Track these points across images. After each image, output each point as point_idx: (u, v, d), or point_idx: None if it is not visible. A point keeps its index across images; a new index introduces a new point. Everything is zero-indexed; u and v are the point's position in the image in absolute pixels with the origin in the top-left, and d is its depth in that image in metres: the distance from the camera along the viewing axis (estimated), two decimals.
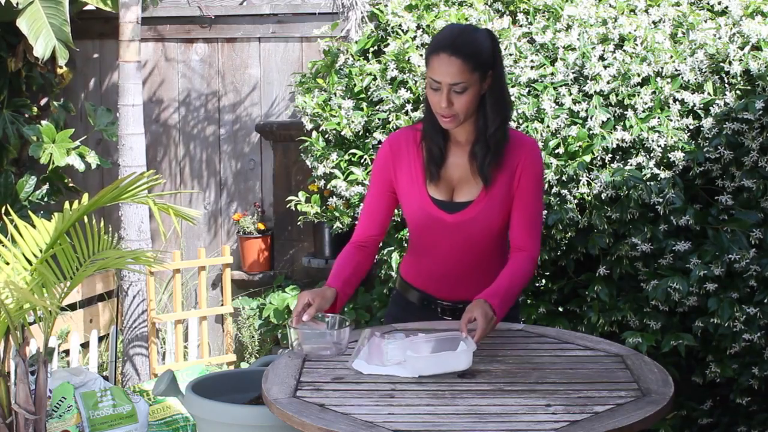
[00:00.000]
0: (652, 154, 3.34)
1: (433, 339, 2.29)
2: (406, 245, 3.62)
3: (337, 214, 3.87)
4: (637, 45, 3.49)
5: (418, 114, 3.65)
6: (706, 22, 3.50)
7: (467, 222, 2.51)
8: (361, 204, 3.70)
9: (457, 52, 2.38)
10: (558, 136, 3.43)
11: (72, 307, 4.85)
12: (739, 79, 3.32)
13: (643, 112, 3.39)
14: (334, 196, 3.88)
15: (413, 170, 2.56)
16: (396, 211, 3.61)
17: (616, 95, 3.43)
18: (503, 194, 2.51)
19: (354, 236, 2.64)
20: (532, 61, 3.59)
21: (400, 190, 2.59)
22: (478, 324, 2.29)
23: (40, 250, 3.18)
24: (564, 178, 3.39)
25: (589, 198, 3.37)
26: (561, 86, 3.49)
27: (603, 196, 3.34)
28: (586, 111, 3.42)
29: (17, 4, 4.45)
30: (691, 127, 3.35)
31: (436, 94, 2.42)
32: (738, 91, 3.30)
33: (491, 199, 2.51)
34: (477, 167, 2.50)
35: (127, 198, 3.22)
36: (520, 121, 3.46)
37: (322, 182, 3.91)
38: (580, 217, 3.40)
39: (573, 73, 3.51)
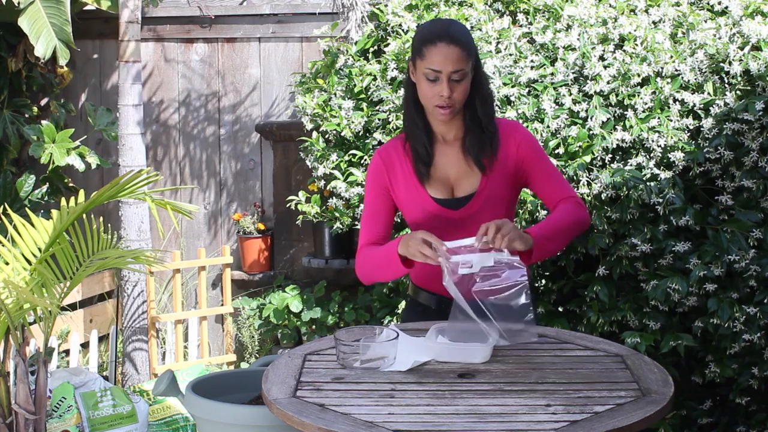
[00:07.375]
0: (652, 155, 3.34)
1: (461, 327, 2.29)
2: None
3: (337, 215, 3.87)
4: (637, 45, 3.49)
5: None
6: (706, 22, 3.50)
7: (474, 214, 2.51)
8: (361, 204, 3.70)
9: (455, 40, 2.41)
10: (558, 136, 3.43)
11: (72, 307, 4.85)
12: (739, 79, 3.32)
13: (643, 112, 3.39)
14: (334, 197, 3.87)
15: (408, 177, 2.56)
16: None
17: (616, 95, 3.42)
18: (503, 179, 2.52)
19: (362, 240, 2.59)
20: (532, 61, 3.59)
21: (400, 199, 2.58)
22: (491, 227, 2.25)
23: (40, 250, 3.18)
24: (564, 178, 3.39)
25: (589, 198, 3.36)
26: (561, 86, 3.49)
27: (603, 196, 3.34)
28: (586, 111, 3.42)
29: (18, 3, 4.45)
30: (691, 127, 3.35)
31: (435, 85, 2.42)
32: (738, 92, 3.30)
33: (492, 186, 2.52)
34: (473, 159, 2.51)
35: (126, 195, 3.21)
36: (521, 121, 3.46)
37: (322, 182, 3.91)
38: None
39: (573, 73, 3.51)
